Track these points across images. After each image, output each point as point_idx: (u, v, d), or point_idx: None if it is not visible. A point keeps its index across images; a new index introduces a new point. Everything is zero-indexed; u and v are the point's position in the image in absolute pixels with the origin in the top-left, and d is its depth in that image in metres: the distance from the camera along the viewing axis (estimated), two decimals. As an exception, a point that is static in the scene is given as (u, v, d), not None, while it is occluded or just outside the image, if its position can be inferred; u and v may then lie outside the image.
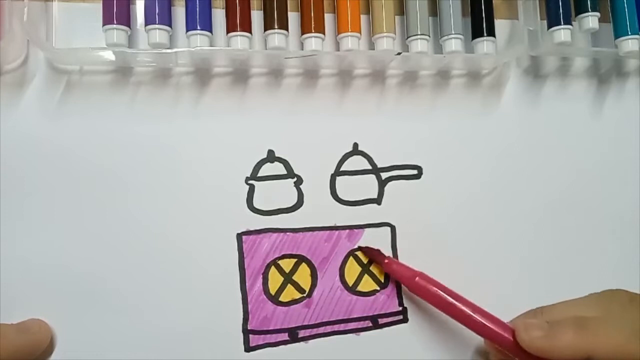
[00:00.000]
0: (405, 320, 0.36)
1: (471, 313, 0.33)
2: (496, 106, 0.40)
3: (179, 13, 0.34)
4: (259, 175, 0.35)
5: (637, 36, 0.38)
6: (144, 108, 0.34)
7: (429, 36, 0.36)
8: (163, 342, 0.33)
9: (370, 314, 0.35)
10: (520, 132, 0.39)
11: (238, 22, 0.33)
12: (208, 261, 0.34)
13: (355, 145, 0.37)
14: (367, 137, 0.37)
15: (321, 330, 0.35)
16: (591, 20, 0.37)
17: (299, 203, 0.36)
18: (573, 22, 0.38)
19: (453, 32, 0.36)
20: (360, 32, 0.35)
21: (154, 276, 0.33)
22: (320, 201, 0.36)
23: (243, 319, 0.34)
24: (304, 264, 0.35)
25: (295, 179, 0.36)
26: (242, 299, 0.34)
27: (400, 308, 0.36)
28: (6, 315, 0.31)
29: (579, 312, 0.34)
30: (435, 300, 0.34)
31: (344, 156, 0.37)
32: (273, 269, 0.35)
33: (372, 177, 0.37)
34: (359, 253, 0.36)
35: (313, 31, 0.34)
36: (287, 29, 0.34)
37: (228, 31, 0.34)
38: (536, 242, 0.39)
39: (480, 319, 0.33)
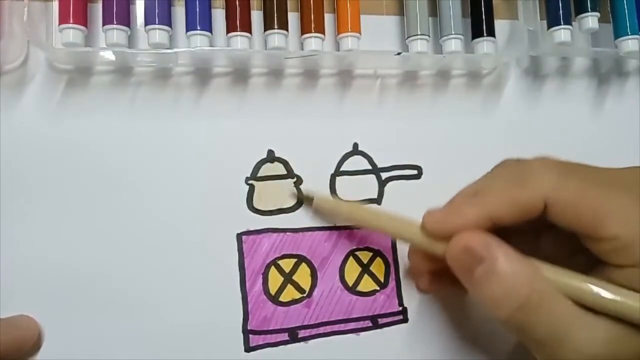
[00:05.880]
0: (405, 320, 0.36)
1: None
2: (496, 106, 0.40)
3: (179, 13, 0.34)
4: (259, 175, 0.35)
5: (637, 36, 0.38)
6: (143, 108, 0.34)
7: (429, 36, 0.36)
8: (162, 342, 0.33)
9: (370, 314, 0.35)
10: (520, 132, 0.39)
11: (238, 22, 0.33)
12: (208, 261, 0.34)
13: (355, 145, 0.37)
14: (367, 137, 0.37)
15: (321, 330, 0.35)
16: (591, 20, 0.37)
17: (299, 203, 0.36)
18: (573, 22, 0.38)
19: (453, 32, 0.36)
20: (360, 32, 0.35)
21: (154, 276, 0.33)
22: (320, 201, 0.36)
23: (243, 319, 0.34)
24: (304, 264, 0.35)
25: (295, 179, 0.36)
26: (242, 299, 0.34)
27: (400, 308, 0.36)
28: (6, 315, 0.31)
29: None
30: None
31: (344, 156, 0.37)
32: (273, 269, 0.35)
33: (372, 177, 0.37)
34: (359, 253, 0.36)
35: (313, 31, 0.34)
36: (287, 29, 0.34)
37: (228, 31, 0.34)
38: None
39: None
